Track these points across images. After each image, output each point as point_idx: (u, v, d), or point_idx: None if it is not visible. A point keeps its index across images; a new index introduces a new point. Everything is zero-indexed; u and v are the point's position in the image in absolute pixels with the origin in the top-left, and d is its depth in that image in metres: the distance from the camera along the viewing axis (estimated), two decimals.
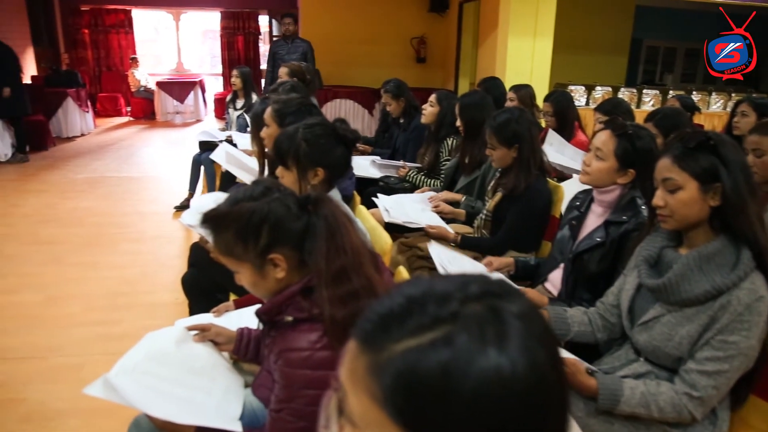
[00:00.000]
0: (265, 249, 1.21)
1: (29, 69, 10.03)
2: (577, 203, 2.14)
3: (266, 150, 2.43)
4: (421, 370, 0.48)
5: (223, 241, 1.23)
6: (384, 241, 1.89)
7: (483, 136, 3.03)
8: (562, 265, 2.07)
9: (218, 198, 2.36)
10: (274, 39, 6.64)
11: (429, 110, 3.58)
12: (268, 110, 2.31)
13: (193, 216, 2.48)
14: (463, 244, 2.52)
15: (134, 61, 11.33)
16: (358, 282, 1.19)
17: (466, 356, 0.47)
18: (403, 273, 1.62)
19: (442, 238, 2.51)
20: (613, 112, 3.10)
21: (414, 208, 2.80)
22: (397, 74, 5.18)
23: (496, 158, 2.52)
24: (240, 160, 3.23)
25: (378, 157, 3.87)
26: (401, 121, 4.17)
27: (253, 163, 3.08)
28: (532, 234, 2.53)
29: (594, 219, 2.04)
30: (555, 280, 2.11)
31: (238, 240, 1.21)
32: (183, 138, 9.19)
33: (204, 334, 1.52)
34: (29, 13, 10.62)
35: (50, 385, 2.65)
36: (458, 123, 3.19)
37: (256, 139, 2.54)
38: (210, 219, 1.24)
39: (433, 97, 3.62)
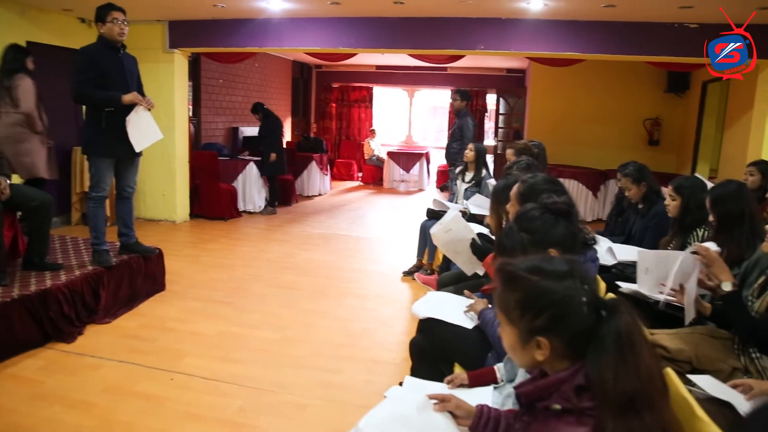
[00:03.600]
0: (538, 330, 1.17)
1: (287, 136, 11.66)
2: None
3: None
4: None
5: (504, 297, 1.23)
6: None
7: (744, 228, 2.69)
8: None
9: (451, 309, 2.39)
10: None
11: (672, 204, 3.28)
12: (515, 189, 2.33)
13: (422, 308, 2.55)
14: (728, 300, 2.17)
15: (372, 132, 12.49)
16: (650, 418, 1.06)
17: None
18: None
19: (715, 274, 2.22)
20: None
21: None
22: (626, 156, 4.92)
23: None
24: (458, 237, 3.17)
25: (611, 243, 3.64)
26: (640, 206, 3.91)
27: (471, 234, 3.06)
28: None
29: None
30: None
31: (518, 307, 1.20)
32: (405, 205, 9.74)
33: (444, 404, 1.50)
34: (293, 90, 12.46)
35: (278, 419, 2.88)
36: (711, 218, 2.86)
37: (495, 212, 2.56)
38: (505, 272, 1.24)
39: (671, 190, 3.30)
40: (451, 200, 5.41)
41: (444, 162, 12.34)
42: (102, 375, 3.27)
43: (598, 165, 9.19)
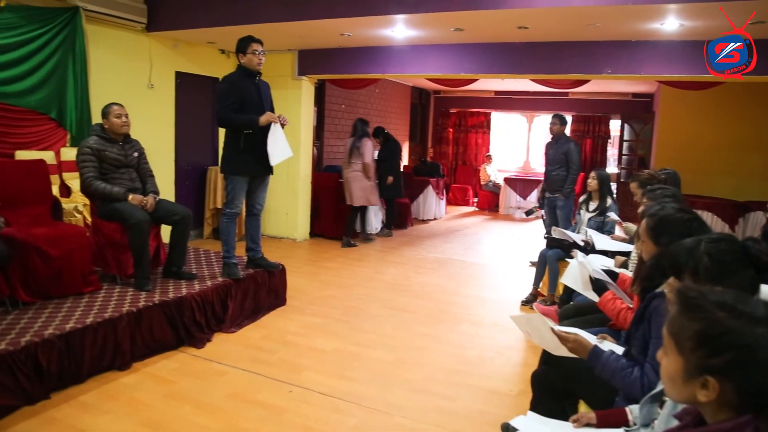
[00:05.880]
0: (710, 369, 1.06)
1: (404, 160, 11.86)
2: None
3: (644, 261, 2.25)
4: None
5: (679, 324, 1.12)
6: None
7: None
8: None
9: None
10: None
11: None
12: (643, 224, 2.16)
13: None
14: None
15: (489, 158, 12.38)
16: None
17: None
18: None
19: None
20: None
21: None
22: None
23: None
24: (589, 275, 3.02)
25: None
26: None
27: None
28: None
29: None
30: None
31: (694, 338, 1.09)
32: (522, 232, 9.49)
33: None
34: (411, 115, 12.70)
35: None
36: None
37: (639, 241, 2.40)
38: (687, 297, 1.13)
39: None
40: (572, 230, 5.20)
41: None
42: (227, 381, 3.46)
43: (736, 196, 8.47)
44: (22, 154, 4.97)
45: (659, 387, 1.57)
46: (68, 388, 3.21)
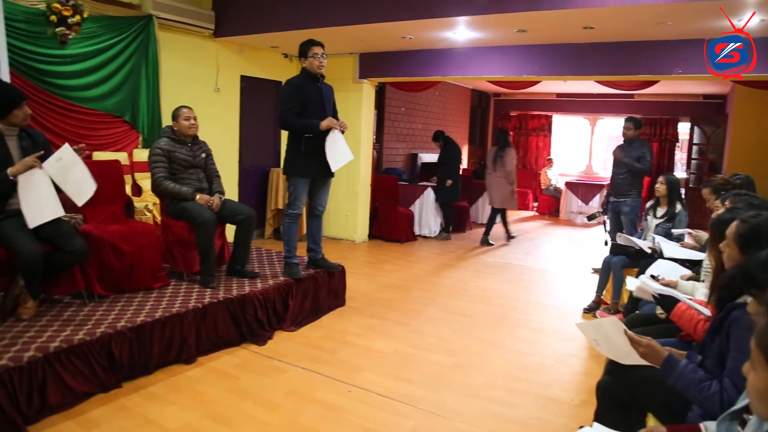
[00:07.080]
0: None
1: (463, 163, 11.77)
2: None
3: (724, 265, 2.15)
4: None
5: None
6: None
7: None
8: None
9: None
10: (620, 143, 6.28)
11: None
12: (733, 228, 2.06)
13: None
14: None
15: (549, 161, 12.13)
16: None
17: None
18: None
19: None
20: None
21: None
22: None
23: None
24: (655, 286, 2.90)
25: None
26: None
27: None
28: None
29: None
30: None
31: None
32: (584, 238, 9.24)
33: None
34: (470, 118, 12.61)
35: None
36: None
37: (713, 250, 2.29)
38: None
39: None
40: (638, 236, 5.02)
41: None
42: (287, 379, 3.52)
43: None
44: (98, 155, 5.24)
45: (740, 403, 1.49)
46: (138, 379, 3.35)
